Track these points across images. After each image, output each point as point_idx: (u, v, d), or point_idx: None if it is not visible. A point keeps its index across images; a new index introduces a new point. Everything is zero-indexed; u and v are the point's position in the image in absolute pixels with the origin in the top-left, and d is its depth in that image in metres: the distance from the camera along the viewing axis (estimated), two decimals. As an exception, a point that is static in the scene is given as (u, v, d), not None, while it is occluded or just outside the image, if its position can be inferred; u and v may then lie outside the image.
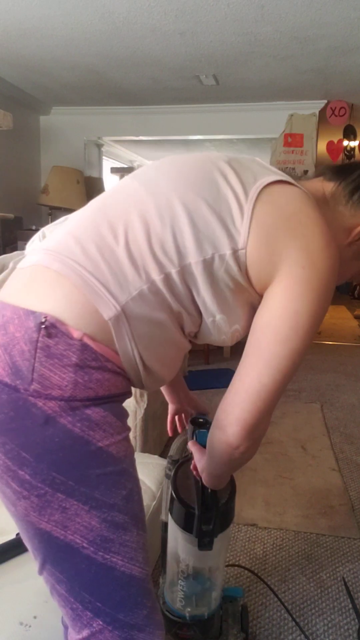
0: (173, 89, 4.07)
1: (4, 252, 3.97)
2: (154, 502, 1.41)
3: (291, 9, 2.61)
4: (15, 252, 2.21)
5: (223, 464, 0.79)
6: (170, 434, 1.20)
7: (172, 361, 0.82)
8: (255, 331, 0.73)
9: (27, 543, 0.75)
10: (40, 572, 0.76)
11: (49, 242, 0.77)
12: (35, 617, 0.96)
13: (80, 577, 0.72)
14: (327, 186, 0.84)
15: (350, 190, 0.82)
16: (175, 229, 0.72)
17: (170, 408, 1.19)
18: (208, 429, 0.91)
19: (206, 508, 0.91)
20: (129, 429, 0.77)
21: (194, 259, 0.71)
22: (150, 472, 1.52)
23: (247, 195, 0.73)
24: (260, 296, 0.75)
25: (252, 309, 0.77)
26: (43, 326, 0.67)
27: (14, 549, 1.12)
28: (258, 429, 0.73)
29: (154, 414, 2.11)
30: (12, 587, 1.03)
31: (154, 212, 0.73)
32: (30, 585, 1.03)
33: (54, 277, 0.71)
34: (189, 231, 0.72)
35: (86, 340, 0.69)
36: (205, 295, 0.74)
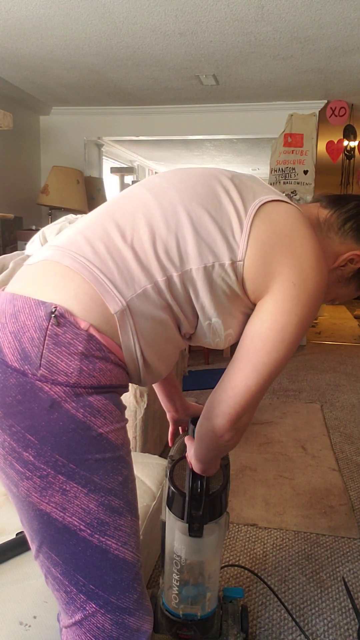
0: (173, 89, 4.07)
1: (4, 252, 3.97)
2: (154, 502, 1.41)
3: (291, 9, 2.61)
4: (15, 252, 2.21)
5: (209, 450, 0.89)
6: (170, 444, 1.22)
7: (169, 358, 0.86)
8: (246, 338, 0.80)
9: (25, 526, 0.78)
10: (37, 555, 0.79)
11: (58, 240, 0.81)
12: (35, 617, 0.96)
13: (75, 559, 0.75)
14: (322, 212, 0.91)
15: (343, 219, 0.90)
16: (179, 235, 0.77)
17: (169, 417, 1.20)
18: None
19: (196, 494, 0.97)
20: (126, 420, 0.81)
21: (195, 265, 0.77)
22: (150, 472, 1.51)
23: (247, 211, 0.79)
24: (253, 305, 0.81)
25: (245, 316, 0.83)
26: (53, 315, 0.71)
27: (14, 549, 1.12)
28: (241, 422, 0.82)
29: (154, 414, 2.10)
30: (12, 587, 1.03)
31: (160, 218, 0.78)
32: (30, 585, 1.04)
33: (64, 271, 0.75)
34: (192, 239, 0.77)
35: (92, 331, 0.73)
36: (204, 299, 0.79)
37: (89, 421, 0.73)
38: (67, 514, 0.73)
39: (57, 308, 0.71)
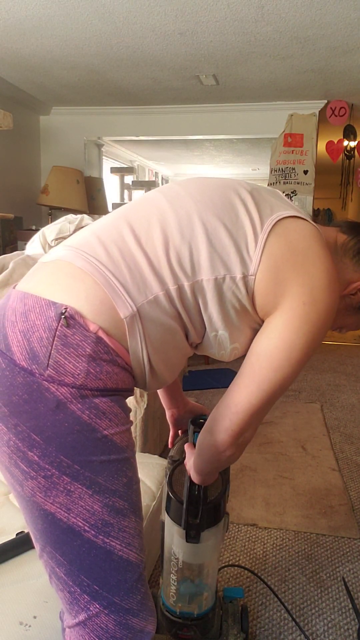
0: (173, 89, 4.07)
1: (4, 252, 3.97)
2: (154, 502, 1.41)
3: (291, 9, 2.61)
4: (15, 252, 2.21)
5: (209, 463, 0.88)
6: (170, 446, 1.22)
7: (175, 365, 0.86)
8: (252, 355, 0.79)
9: (30, 525, 0.78)
10: (41, 555, 0.79)
11: (73, 240, 0.81)
12: (35, 617, 0.96)
13: (79, 560, 0.75)
14: (340, 237, 0.89)
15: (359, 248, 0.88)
16: (193, 245, 0.77)
17: (169, 415, 1.20)
18: None
19: (193, 502, 0.97)
20: (131, 423, 0.81)
21: (206, 276, 0.76)
22: (150, 472, 1.52)
23: (263, 225, 0.78)
24: (262, 321, 0.80)
25: (253, 332, 0.82)
26: (63, 316, 0.71)
27: (14, 549, 1.12)
28: (243, 437, 0.81)
29: (154, 414, 2.11)
30: (12, 587, 1.03)
31: (174, 226, 0.78)
32: (30, 585, 1.03)
33: (76, 272, 0.75)
34: (206, 250, 0.76)
35: (101, 334, 0.73)
36: (212, 311, 0.79)
37: (94, 423, 0.73)
38: (71, 514, 0.73)
39: (68, 309, 0.72)
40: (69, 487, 0.73)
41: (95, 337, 0.72)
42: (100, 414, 0.73)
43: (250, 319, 0.81)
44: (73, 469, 0.72)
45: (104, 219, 0.85)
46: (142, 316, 0.75)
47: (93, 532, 0.74)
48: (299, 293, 0.76)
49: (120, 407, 0.77)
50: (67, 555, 0.75)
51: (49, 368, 0.71)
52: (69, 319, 0.71)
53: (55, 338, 0.71)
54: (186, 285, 0.76)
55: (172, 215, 0.79)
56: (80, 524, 0.74)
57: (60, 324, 0.71)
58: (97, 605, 0.76)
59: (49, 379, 0.71)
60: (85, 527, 0.74)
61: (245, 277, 0.77)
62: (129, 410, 0.81)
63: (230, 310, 0.79)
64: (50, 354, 0.71)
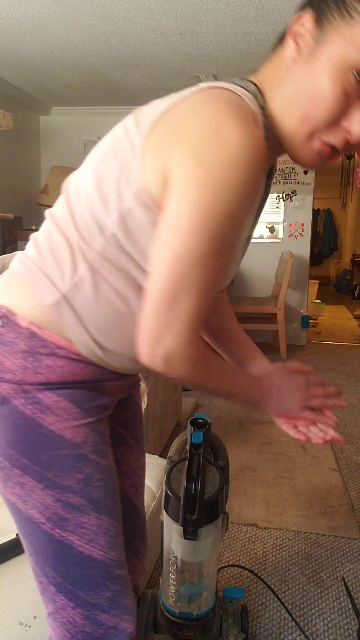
0: (173, 89, 4.06)
1: (4, 252, 3.97)
2: (154, 502, 1.41)
3: (291, 9, 2.61)
4: (15, 252, 2.21)
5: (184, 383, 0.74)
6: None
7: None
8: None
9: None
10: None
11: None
12: (35, 617, 0.96)
13: (43, 551, 0.77)
14: (302, 26, 0.72)
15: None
16: (91, 205, 0.72)
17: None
18: (206, 429, 0.99)
19: (190, 498, 0.98)
20: (94, 416, 0.77)
21: (111, 227, 0.70)
22: (150, 472, 1.51)
23: (140, 131, 0.68)
24: None
25: None
26: None
27: (14, 549, 1.12)
28: (164, 348, 0.66)
29: (154, 414, 2.11)
30: (12, 587, 1.03)
31: (74, 196, 0.75)
32: (30, 585, 1.03)
33: (12, 275, 0.79)
34: (98, 201, 0.71)
35: (33, 328, 0.74)
36: (140, 253, 0.71)
37: (37, 417, 0.74)
38: (28, 506, 0.75)
39: (1, 309, 0.75)
40: (21, 480, 0.75)
41: (27, 332, 0.74)
42: (44, 409, 0.74)
43: None
44: (22, 463, 0.74)
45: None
46: (70, 300, 0.73)
47: (50, 524, 0.75)
48: (180, 158, 0.63)
49: (72, 402, 0.75)
50: (33, 545, 0.77)
51: None
52: (2, 318, 0.74)
53: None
54: (103, 246, 0.71)
55: (73, 187, 0.77)
56: (36, 515, 0.75)
57: None
58: (63, 598, 0.77)
59: None
60: (42, 520, 0.75)
61: (137, 197, 0.67)
62: (96, 402, 0.77)
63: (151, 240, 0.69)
64: None
